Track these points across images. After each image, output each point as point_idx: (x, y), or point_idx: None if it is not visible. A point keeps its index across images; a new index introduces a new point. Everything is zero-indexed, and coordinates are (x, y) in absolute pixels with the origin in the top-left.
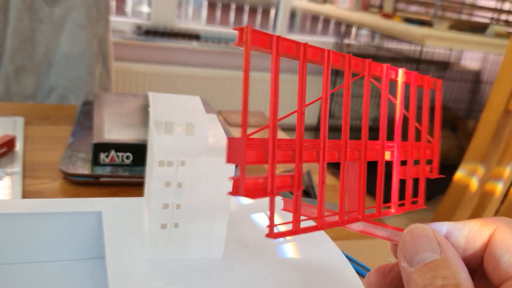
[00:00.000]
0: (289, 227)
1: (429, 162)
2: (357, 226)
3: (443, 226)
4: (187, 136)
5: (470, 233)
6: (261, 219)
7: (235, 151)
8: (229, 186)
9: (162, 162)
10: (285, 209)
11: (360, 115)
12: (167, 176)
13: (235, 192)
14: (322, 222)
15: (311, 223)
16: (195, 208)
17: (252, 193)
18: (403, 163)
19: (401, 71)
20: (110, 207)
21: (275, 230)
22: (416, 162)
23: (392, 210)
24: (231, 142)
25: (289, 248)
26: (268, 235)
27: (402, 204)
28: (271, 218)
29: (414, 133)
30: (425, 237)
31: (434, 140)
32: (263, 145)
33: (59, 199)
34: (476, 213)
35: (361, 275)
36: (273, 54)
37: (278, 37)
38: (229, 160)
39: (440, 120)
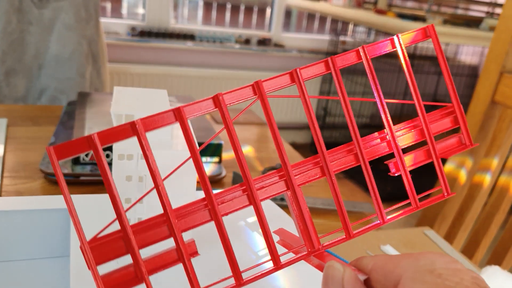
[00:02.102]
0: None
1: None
2: (314, 261)
3: (370, 264)
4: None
5: (383, 279)
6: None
7: (84, 256)
8: (193, 180)
9: (121, 156)
10: (281, 243)
11: (356, 111)
12: (128, 170)
13: None
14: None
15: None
16: (158, 202)
17: (120, 287)
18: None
19: (361, 49)
20: (79, 204)
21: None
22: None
23: (379, 221)
24: (80, 248)
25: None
26: None
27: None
28: None
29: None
30: (331, 280)
31: (452, 101)
32: (121, 237)
33: (27, 197)
34: (465, 206)
35: None
36: (95, 152)
37: (91, 136)
38: (87, 265)
39: (449, 74)
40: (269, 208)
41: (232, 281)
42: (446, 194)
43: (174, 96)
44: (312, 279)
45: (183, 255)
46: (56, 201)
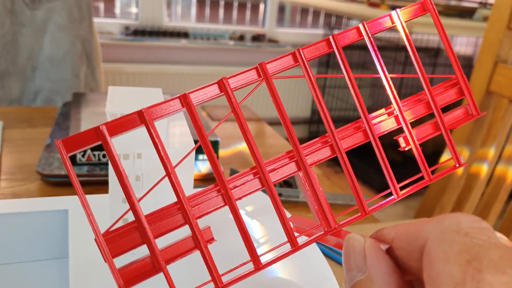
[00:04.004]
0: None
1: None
2: (331, 240)
3: (392, 233)
4: (144, 128)
5: (407, 246)
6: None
7: (100, 249)
8: (190, 178)
9: (118, 156)
10: (296, 229)
11: (352, 105)
12: (124, 169)
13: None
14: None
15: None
16: (156, 201)
17: (138, 278)
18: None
19: (361, 26)
20: (76, 205)
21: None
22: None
23: (394, 196)
24: (95, 240)
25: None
26: None
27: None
28: None
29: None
30: (353, 251)
31: (456, 72)
32: (135, 227)
33: (24, 199)
34: (463, 196)
35: None
36: (105, 144)
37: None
38: (103, 259)
39: (450, 44)
40: (264, 200)
41: (250, 266)
42: (457, 165)
43: (169, 94)
44: (310, 275)
45: (199, 242)
46: (54, 203)
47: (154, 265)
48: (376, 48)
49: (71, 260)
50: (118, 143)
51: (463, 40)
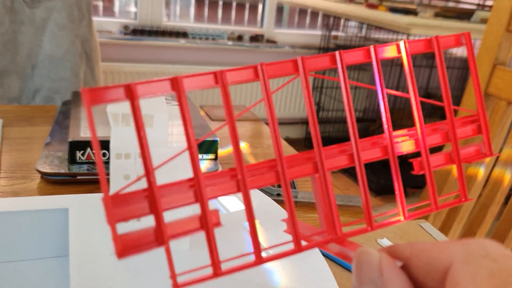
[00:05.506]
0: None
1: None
2: (334, 248)
3: (407, 250)
4: (146, 128)
5: (427, 265)
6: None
7: (105, 210)
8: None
9: (119, 155)
10: (288, 231)
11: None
12: (126, 168)
13: (117, 253)
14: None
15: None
16: None
17: (137, 248)
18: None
19: (402, 43)
20: (76, 204)
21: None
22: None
23: (401, 218)
24: (103, 200)
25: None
26: (174, 286)
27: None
28: (171, 268)
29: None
30: (367, 265)
31: (478, 110)
32: (145, 196)
33: (25, 197)
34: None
35: None
36: (132, 103)
37: (130, 85)
38: (107, 220)
39: (479, 84)
40: (266, 203)
41: (251, 257)
42: (463, 199)
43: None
44: (306, 277)
45: (207, 223)
46: (54, 201)
47: (157, 238)
48: (412, 71)
49: (71, 258)
50: (119, 143)
51: None
